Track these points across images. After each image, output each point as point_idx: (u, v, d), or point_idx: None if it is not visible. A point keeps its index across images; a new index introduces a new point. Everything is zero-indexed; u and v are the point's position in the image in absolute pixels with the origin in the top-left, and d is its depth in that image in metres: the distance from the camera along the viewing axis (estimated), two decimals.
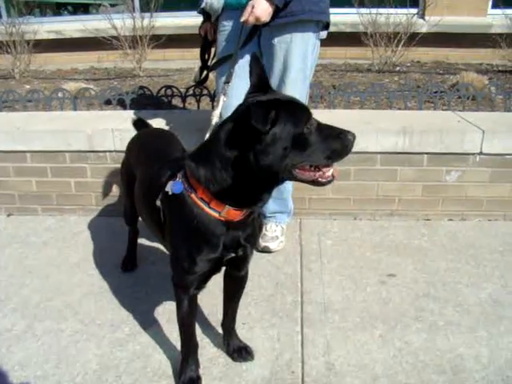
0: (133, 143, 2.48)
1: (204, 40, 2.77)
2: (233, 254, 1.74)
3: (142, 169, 2.15)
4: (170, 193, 1.67)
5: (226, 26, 2.57)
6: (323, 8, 2.51)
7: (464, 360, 1.99)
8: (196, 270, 1.72)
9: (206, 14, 2.65)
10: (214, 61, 2.78)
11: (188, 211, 1.65)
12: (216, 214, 1.62)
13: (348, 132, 1.56)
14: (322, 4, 2.49)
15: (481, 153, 3.04)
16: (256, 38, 2.49)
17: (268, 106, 1.47)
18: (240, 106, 1.61)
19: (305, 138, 1.50)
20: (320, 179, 1.58)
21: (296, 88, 2.55)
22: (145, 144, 2.38)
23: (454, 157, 3.07)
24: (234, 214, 1.62)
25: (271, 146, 1.47)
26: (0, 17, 6.52)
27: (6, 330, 2.24)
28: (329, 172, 1.59)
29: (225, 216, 1.62)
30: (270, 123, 1.44)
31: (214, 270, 1.78)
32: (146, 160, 2.16)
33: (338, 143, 1.55)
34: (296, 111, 1.52)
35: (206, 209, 1.62)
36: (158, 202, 1.79)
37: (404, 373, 1.93)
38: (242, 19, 2.32)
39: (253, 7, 2.29)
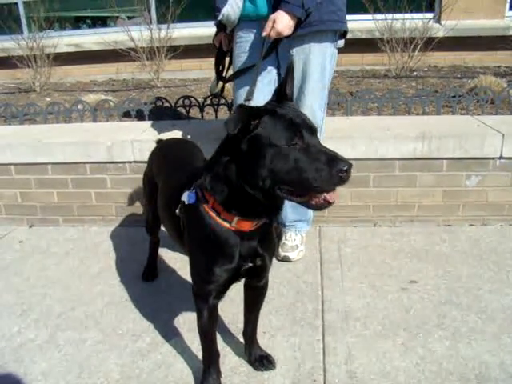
0: (155, 153, 2.51)
1: (219, 51, 2.77)
2: (250, 264, 1.74)
3: (164, 178, 2.17)
4: (186, 203, 1.69)
5: (243, 37, 2.57)
6: (341, 17, 2.50)
7: (489, 368, 1.96)
8: (214, 280, 1.72)
9: (221, 25, 2.65)
10: (228, 71, 2.79)
11: (202, 221, 1.65)
12: (227, 225, 1.62)
13: (341, 160, 1.39)
14: (339, 13, 2.48)
15: (501, 157, 3.00)
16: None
17: (245, 111, 1.44)
18: None
19: (284, 156, 1.41)
20: (311, 202, 1.46)
21: (315, 97, 2.55)
22: (166, 154, 2.40)
23: (473, 161, 3.04)
24: (245, 224, 1.62)
25: (251, 158, 1.45)
26: (21, 32, 6.64)
27: (29, 340, 2.27)
28: (320, 196, 1.45)
29: (236, 226, 1.62)
30: (237, 128, 1.39)
31: (232, 280, 1.78)
32: (168, 170, 2.18)
33: (323, 170, 1.38)
34: (280, 125, 1.44)
35: (218, 219, 1.62)
36: (178, 211, 1.80)
37: (427, 381, 1.91)
38: (264, 34, 2.31)
39: (274, 22, 2.27)
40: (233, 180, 1.53)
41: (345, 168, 1.38)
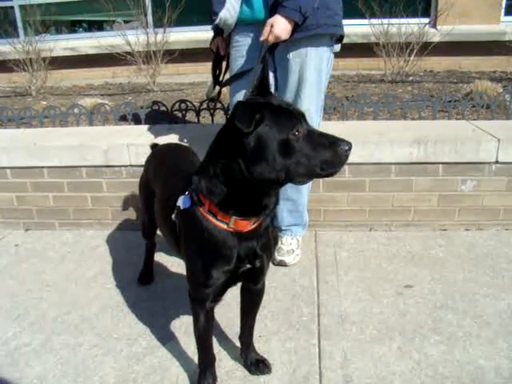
0: (151, 158, 2.51)
1: (216, 55, 2.77)
2: (249, 266, 1.74)
3: (160, 183, 2.17)
4: (181, 207, 1.69)
5: (240, 41, 2.58)
6: (337, 21, 2.51)
7: (484, 372, 1.96)
8: (211, 283, 1.72)
9: (218, 29, 2.66)
10: (225, 75, 2.79)
11: (199, 225, 1.65)
12: (224, 226, 1.62)
13: (342, 141, 1.48)
14: (336, 17, 2.49)
15: (497, 161, 3.01)
16: None
17: (252, 106, 1.46)
18: None
19: (292, 145, 1.44)
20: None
21: (311, 101, 2.56)
22: (162, 159, 2.40)
23: (469, 166, 3.05)
24: (242, 224, 1.62)
25: (259, 152, 1.45)
26: (17, 36, 6.64)
27: (24, 344, 2.26)
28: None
29: (233, 227, 1.62)
30: (253, 124, 1.40)
31: (229, 283, 1.78)
32: (164, 175, 2.18)
33: (329, 153, 1.47)
34: (281, 116, 1.47)
35: (215, 221, 1.62)
36: (173, 217, 1.80)
37: None
38: (262, 38, 2.32)
39: (272, 26, 2.28)
40: (235, 178, 1.52)
41: (347, 148, 1.48)
